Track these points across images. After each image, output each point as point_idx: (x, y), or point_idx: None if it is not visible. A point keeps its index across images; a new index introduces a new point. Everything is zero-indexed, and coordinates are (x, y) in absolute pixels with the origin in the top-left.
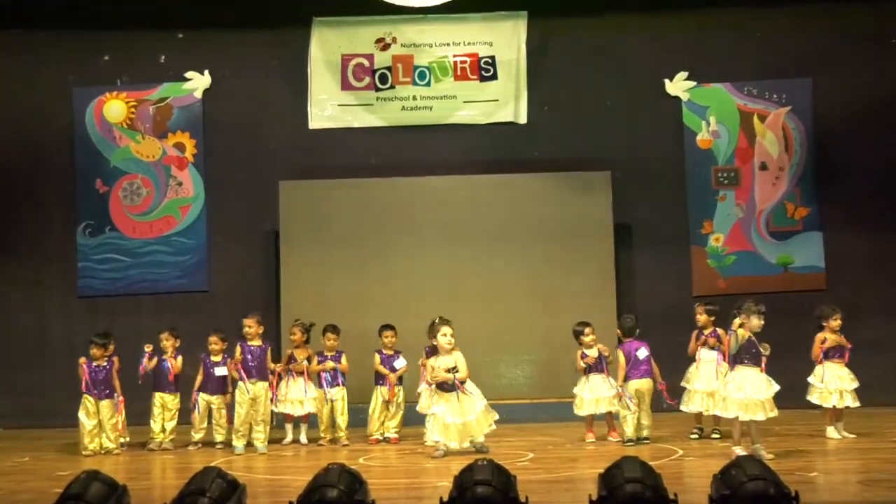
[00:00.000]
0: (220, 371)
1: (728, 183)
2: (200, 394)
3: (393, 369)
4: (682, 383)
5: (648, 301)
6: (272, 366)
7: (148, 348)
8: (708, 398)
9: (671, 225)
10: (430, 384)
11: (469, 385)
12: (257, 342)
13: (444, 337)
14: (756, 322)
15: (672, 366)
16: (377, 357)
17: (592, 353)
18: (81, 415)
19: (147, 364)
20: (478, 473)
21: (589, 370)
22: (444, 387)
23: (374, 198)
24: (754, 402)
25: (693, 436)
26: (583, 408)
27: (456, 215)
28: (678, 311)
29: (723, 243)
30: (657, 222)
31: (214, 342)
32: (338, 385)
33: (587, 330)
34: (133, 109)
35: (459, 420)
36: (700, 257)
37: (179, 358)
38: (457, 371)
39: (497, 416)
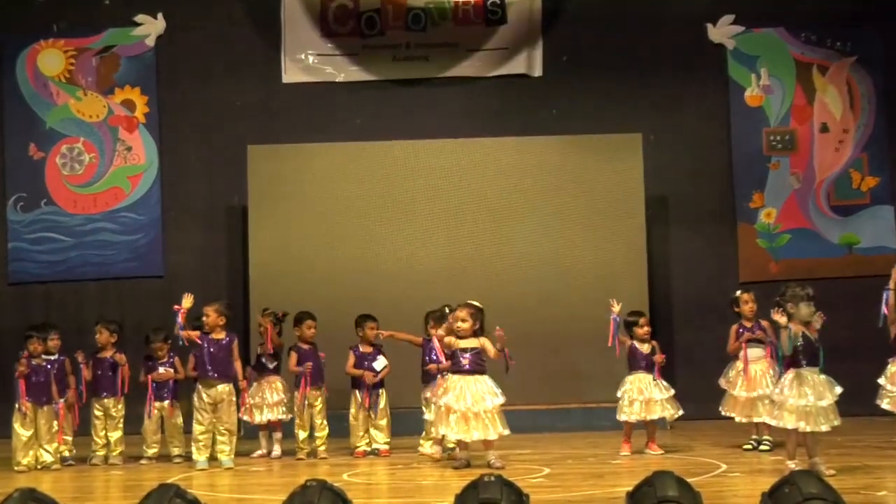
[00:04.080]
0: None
1: (782, 148)
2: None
3: (372, 371)
4: (722, 384)
5: (686, 286)
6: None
7: (80, 357)
8: (754, 404)
9: (714, 197)
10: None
11: (488, 379)
12: (220, 335)
13: (464, 323)
14: (806, 310)
15: (713, 364)
16: (351, 357)
17: (645, 348)
18: (16, 424)
19: (85, 374)
20: (483, 491)
21: (637, 368)
22: (458, 366)
23: (360, 165)
24: (817, 410)
25: (747, 446)
26: (630, 412)
27: (457, 185)
28: (721, 299)
29: (775, 219)
30: (697, 194)
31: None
32: (317, 385)
33: (642, 321)
34: (72, 60)
35: (464, 407)
36: (748, 236)
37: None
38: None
39: (507, 433)
